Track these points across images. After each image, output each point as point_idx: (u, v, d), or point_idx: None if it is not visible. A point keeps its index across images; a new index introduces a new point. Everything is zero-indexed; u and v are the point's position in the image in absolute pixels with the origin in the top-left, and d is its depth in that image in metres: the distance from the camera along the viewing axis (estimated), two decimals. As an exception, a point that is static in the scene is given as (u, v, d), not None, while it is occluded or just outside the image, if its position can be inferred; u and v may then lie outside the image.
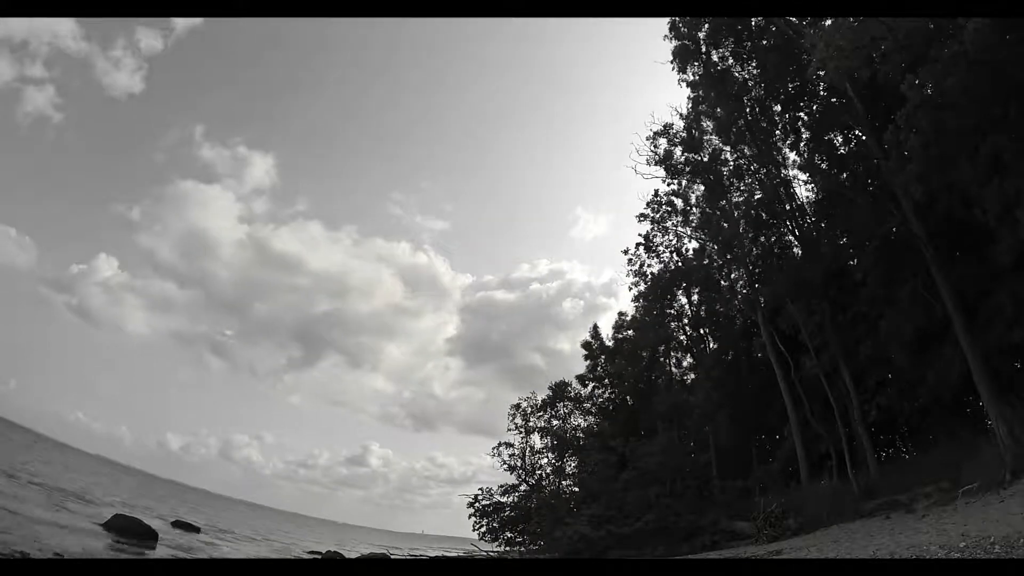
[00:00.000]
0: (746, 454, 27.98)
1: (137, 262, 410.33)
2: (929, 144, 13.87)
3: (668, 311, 35.15)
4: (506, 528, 30.50)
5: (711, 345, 33.77)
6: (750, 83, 25.48)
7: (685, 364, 36.62)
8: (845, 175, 22.23)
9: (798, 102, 24.39)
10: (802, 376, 23.07)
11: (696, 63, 26.64)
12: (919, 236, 16.78)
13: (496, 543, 30.53)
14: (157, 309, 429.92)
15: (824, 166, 23.47)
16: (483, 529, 30.65)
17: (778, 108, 25.22)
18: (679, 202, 30.02)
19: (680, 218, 30.44)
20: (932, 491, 14.35)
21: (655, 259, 33.21)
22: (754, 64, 25.14)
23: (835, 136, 23.45)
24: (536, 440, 37.30)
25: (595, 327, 42.06)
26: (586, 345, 41.09)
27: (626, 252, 33.89)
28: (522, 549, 28.89)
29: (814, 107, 23.90)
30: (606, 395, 39.69)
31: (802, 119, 24.58)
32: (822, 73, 18.22)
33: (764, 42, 24.42)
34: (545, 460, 36.47)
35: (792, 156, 25.43)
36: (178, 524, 26.55)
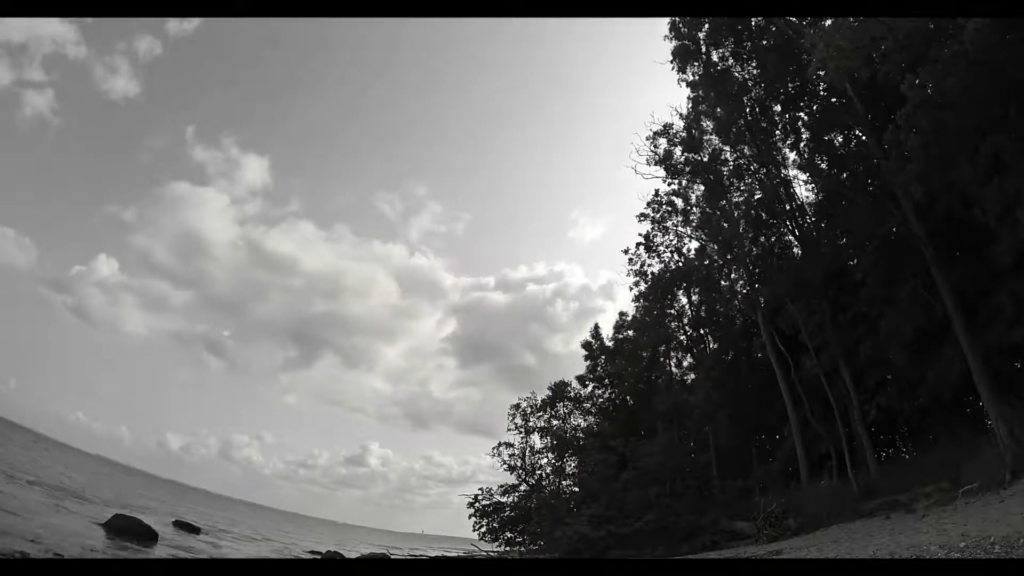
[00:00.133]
0: (746, 454, 27.98)
1: (134, 262, 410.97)
2: (929, 144, 13.87)
3: (668, 311, 35.16)
4: (506, 528, 30.50)
5: (711, 345, 33.76)
6: (750, 83, 25.48)
7: (685, 364, 36.66)
8: (845, 175, 22.23)
9: (798, 102, 24.39)
10: (802, 376, 23.07)
11: (696, 63, 26.64)
12: (919, 236, 16.78)
13: (496, 543, 30.54)
14: (154, 309, 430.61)
15: (824, 166, 23.47)
16: (483, 529, 30.67)
17: (778, 108, 25.22)
18: (679, 202, 30.01)
19: (680, 218, 30.42)
20: (932, 491, 14.35)
21: (655, 259, 33.20)
22: (754, 64, 25.14)
23: (835, 136, 23.43)
24: (536, 440, 37.36)
25: (595, 327, 42.17)
26: (586, 345, 41.10)
27: (626, 252, 33.89)
28: (522, 549, 28.90)
29: (814, 107, 23.89)
30: (606, 395, 39.70)
31: (802, 119, 24.58)
32: (822, 73, 18.22)
33: (764, 42, 24.41)
34: (545, 460, 36.53)
35: (792, 156, 25.46)
36: (178, 524, 26.55)
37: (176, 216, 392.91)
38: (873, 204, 19.09)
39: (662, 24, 27.28)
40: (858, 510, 15.80)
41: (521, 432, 37.23)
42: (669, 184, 29.14)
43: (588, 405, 39.47)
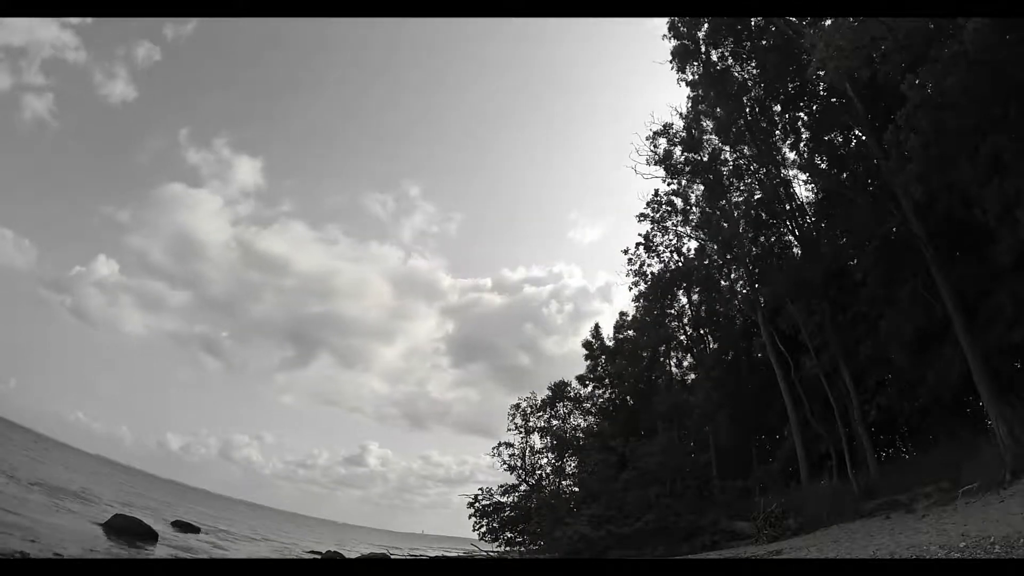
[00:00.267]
0: (746, 454, 27.99)
1: (132, 263, 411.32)
2: (929, 144, 13.86)
3: (668, 311, 35.17)
4: (506, 528, 30.50)
5: (711, 345, 33.77)
6: (750, 83, 25.47)
7: (685, 364, 36.70)
8: (845, 175, 22.23)
9: (798, 102, 24.38)
10: (802, 376, 23.07)
11: (695, 63, 26.64)
12: (919, 236, 16.78)
13: (496, 543, 30.54)
14: (152, 310, 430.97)
15: (824, 166, 23.47)
16: (483, 529, 30.67)
17: (778, 108, 25.21)
18: (679, 202, 30.01)
19: (680, 218, 30.42)
20: (932, 491, 14.35)
21: (655, 259, 33.22)
22: (754, 64, 25.13)
23: (835, 136, 23.43)
24: (536, 440, 37.36)
25: (596, 327, 42.14)
26: (587, 345, 41.11)
27: (626, 252, 33.91)
28: (522, 549, 28.89)
29: (814, 107, 23.89)
30: (606, 395, 39.70)
31: (802, 119, 24.58)
32: (822, 73, 18.21)
33: (764, 42, 24.40)
34: (545, 460, 36.53)
35: (792, 156, 25.43)
36: (178, 524, 26.56)
37: (171, 217, 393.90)
38: (873, 204, 19.08)
39: (662, 24, 27.29)
40: (858, 510, 15.80)
41: (521, 432, 37.28)
42: (669, 184, 29.19)
43: (588, 405, 39.48)
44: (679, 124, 28.08)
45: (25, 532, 13.36)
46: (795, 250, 26.40)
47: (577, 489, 32.49)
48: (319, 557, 25.59)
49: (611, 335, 40.77)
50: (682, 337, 35.72)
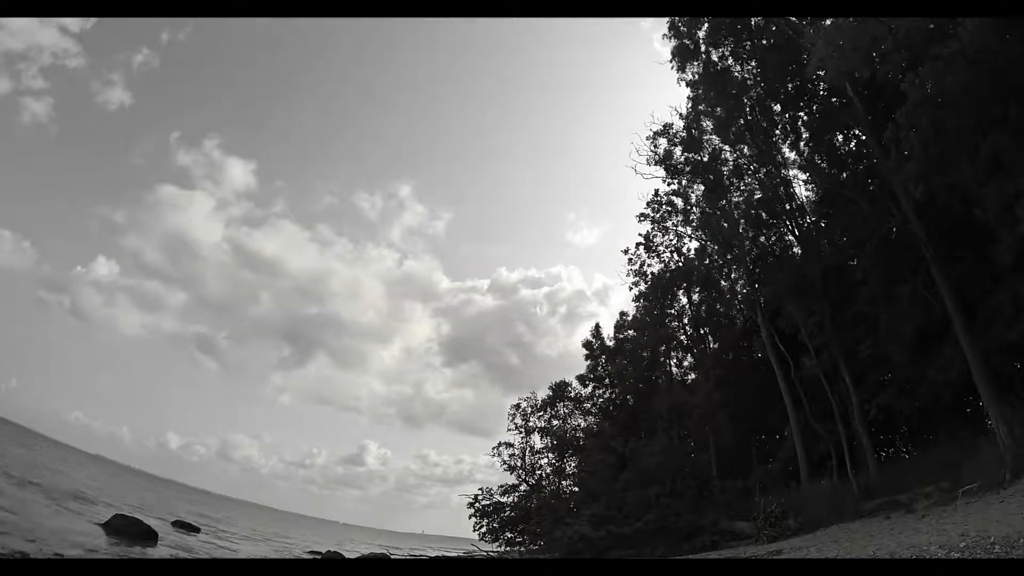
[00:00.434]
0: (746, 454, 27.98)
1: (129, 264, 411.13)
2: (929, 143, 13.85)
3: (668, 311, 35.18)
4: (506, 528, 30.51)
5: (711, 345, 33.77)
6: (750, 82, 25.43)
7: (685, 364, 36.70)
8: (845, 175, 22.24)
9: (798, 102, 24.36)
10: (802, 376, 23.07)
11: (696, 62, 26.62)
12: (919, 236, 16.78)
13: (496, 543, 30.55)
14: (150, 310, 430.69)
15: (824, 166, 23.46)
16: (483, 529, 30.67)
17: (778, 108, 25.18)
18: (679, 202, 30.01)
19: (680, 218, 30.43)
20: (932, 491, 14.34)
21: (655, 259, 33.28)
22: (754, 63, 25.11)
23: (835, 136, 23.43)
24: (536, 440, 37.33)
25: (596, 327, 42.08)
26: (587, 345, 41.07)
27: (626, 252, 33.95)
28: (522, 549, 28.90)
29: (814, 107, 23.87)
30: (606, 395, 39.68)
31: (802, 119, 24.55)
32: (822, 73, 18.24)
33: (764, 42, 24.41)
34: (545, 460, 36.50)
35: (792, 156, 25.42)
36: (178, 524, 26.56)
37: (165, 218, 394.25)
38: (873, 204, 19.08)
39: (662, 24, 27.31)
40: (858, 510, 15.79)
41: (521, 432, 37.25)
42: (669, 184, 29.18)
43: (588, 405, 39.45)
44: (679, 124, 28.11)
45: (25, 532, 13.36)
46: (795, 250, 26.37)
47: (577, 489, 32.49)
48: (319, 557, 25.59)
49: (611, 335, 40.80)
50: (682, 337, 35.72)
